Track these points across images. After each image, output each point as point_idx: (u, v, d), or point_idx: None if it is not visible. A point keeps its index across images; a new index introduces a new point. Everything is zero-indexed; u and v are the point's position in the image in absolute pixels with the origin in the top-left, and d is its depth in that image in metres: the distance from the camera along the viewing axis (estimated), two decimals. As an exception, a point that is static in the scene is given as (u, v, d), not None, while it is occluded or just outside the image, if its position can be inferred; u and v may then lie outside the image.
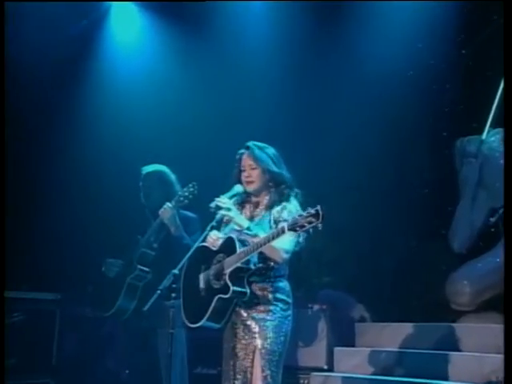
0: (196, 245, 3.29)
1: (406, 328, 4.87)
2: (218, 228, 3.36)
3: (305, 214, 2.90)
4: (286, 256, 3.18)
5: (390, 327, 5.03)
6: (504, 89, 3.57)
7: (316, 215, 2.85)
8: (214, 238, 3.30)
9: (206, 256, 3.30)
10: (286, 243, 3.14)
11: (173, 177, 4.25)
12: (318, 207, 2.87)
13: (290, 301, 3.25)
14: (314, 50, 5.69)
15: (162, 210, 3.99)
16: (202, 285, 3.26)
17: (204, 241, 3.33)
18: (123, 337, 5.07)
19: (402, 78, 5.40)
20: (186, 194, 3.90)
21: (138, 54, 6.17)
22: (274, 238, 3.03)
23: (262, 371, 3.11)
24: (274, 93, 5.77)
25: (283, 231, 2.97)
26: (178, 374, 3.97)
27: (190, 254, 3.26)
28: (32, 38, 5.56)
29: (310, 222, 2.86)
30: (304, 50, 5.73)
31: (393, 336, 4.91)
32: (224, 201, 3.25)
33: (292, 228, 2.93)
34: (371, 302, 5.49)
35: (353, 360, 4.85)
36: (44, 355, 5.23)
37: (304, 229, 2.88)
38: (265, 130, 5.08)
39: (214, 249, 3.28)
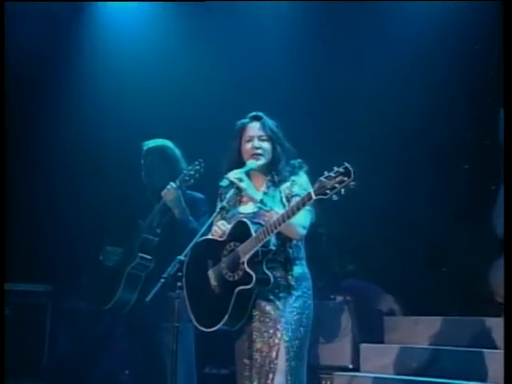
0: (204, 228, 3.29)
1: (442, 323, 4.92)
2: (227, 210, 3.39)
3: (332, 174, 2.89)
4: (303, 232, 3.21)
5: (423, 321, 5.09)
6: (504, 88, 3.67)
7: (346, 173, 2.85)
8: (223, 229, 3.31)
9: (212, 249, 3.31)
10: (301, 218, 3.15)
11: (177, 152, 4.28)
12: (346, 164, 2.87)
13: (310, 287, 3.29)
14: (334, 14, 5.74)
15: (164, 190, 4.01)
16: (213, 282, 3.27)
17: (208, 233, 3.34)
18: (123, 333, 5.17)
19: (438, 38, 5.39)
20: (192, 172, 3.93)
21: (141, 22, 6.24)
22: (299, 209, 3.03)
23: (283, 366, 3.14)
24: (288, 60, 5.80)
25: (310, 198, 2.97)
26: (185, 373, 4.00)
27: (194, 242, 3.23)
28: (30, 20, 5.86)
29: (341, 182, 2.86)
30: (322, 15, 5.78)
31: (427, 331, 4.96)
32: (235, 171, 3.28)
33: (321, 192, 2.92)
34: (402, 292, 5.54)
35: (381, 358, 4.92)
36: (34, 355, 5.34)
37: (335, 190, 2.87)
38: (280, 101, 5.14)
39: (222, 239, 3.29)
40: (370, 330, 5.26)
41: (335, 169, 2.90)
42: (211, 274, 3.30)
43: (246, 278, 3.14)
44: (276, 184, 3.34)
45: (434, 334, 4.91)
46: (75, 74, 6.18)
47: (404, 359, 4.82)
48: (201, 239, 3.31)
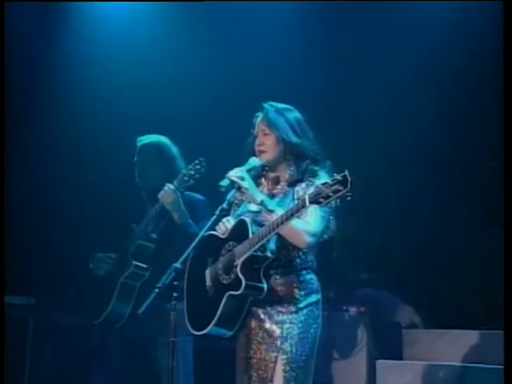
0: (201, 234, 3.36)
1: (468, 337, 4.95)
2: (230, 211, 3.45)
3: (330, 181, 2.92)
4: (310, 240, 3.23)
5: (447, 335, 5.11)
6: (504, 89, 3.81)
7: (343, 182, 2.87)
8: (227, 226, 3.38)
9: (213, 247, 3.40)
10: (310, 224, 3.21)
11: (175, 150, 4.34)
12: (346, 172, 2.89)
13: (319, 299, 3.34)
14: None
15: (162, 192, 4.07)
16: (208, 282, 3.36)
17: (212, 228, 3.41)
18: (113, 350, 5.21)
19: (461, 20, 5.45)
20: (192, 172, 3.98)
21: (138, 19, 6.29)
22: (293, 215, 3.07)
23: None
24: (295, 56, 5.85)
25: (304, 205, 2.99)
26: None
27: (194, 245, 3.33)
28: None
29: (336, 191, 2.87)
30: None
31: (451, 346, 4.99)
32: (236, 170, 3.33)
33: (315, 200, 2.94)
34: (423, 303, 5.57)
35: (400, 377, 4.93)
36: (13, 375, 5.30)
37: (329, 199, 2.90)
38: (291, 91, 5.18)
39: (224, 237, 3.38)
40: (388, 345, 5.28)
41: (334, 175, 2.94)
42: (208, 273, 3.39)
43: (237, 283, 3.20)
44: (289, 184, 3.39)
45: (458, 350, 4.93)
46: (66, 70, 6.22)
47: (425, 377, 4.83)
48: (206, 234, 3.40)
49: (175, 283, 3.27)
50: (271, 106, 3.46)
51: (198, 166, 4.00)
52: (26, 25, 6.13)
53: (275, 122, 3.41)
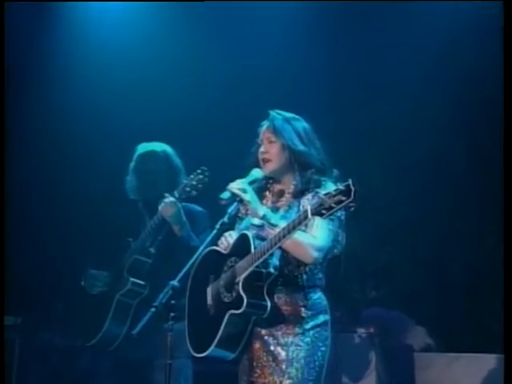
0: (200, 250, 3.36)
1: (485, 361, 4.94)
2: (231, 225, 3.44)
3: (332, 191, 2.90)
4: (317, 255, 3.20)
5: (462, 359, 5.10)
6: (504, 89, 3.87)
7: (346, 192, 2.85)
8: (229, 240, 3.39)
9: (215, 263, 3.39)
10: (317, 238, 3.19)
11: (179, 161, 4.36)
12: (349, 181, 2.86)
13: (327, 319, 3.32)
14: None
15: (162, 204, 4.06)
16: (209, 300, 3.35)
17: (213, 243, 3.41)
18: (106, 373, 5.21)
19: (478, 17, 5.48)
20: (194, 182, 3.97)
21: (137, 20, 6.35)
22: (295, 228, 3.06)
23: None
24: (304, 49, 5.91)
25: (306, 216, 2.99)
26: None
27: (192, 261, 3.33)
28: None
29: (338, 202, 2.86)
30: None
31: (468, 371, 4.99)
32: (238, 181, 3.33)
33: (317, 211, 2.93)
34: (436, 324, 5.57)
35: (412, 403, 4.95)
36: None
37: (332, 211, 2.89)
38: (295, 98, 5.20)
39: (226, 252, 3.38)
40: (398, 369, 5.29)
41: (337, 185, 2.94)
42: (209, 291, 3.39)
43: (238, 302, 3.19)
44: (294, 196, 3.39)
45: (475, 375, 4.93)
46: (61, 71, 6.27)
47: (439, 404, 4.85)
48: (208, 250, 3.41)
49: (172, 302, 3.26)
50: (278, 113, 3.47)
51: (200, 176, 3.98)
52: (19, 25, 6.17)
53: (281, 130, 3.42)
